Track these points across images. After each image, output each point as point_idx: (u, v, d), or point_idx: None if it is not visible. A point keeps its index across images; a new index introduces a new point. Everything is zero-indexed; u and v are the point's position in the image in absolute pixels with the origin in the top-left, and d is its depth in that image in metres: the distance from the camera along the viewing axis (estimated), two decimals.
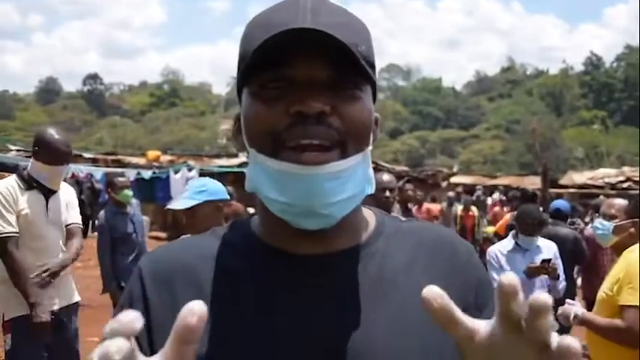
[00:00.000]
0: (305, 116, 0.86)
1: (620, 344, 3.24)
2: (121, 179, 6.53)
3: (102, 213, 6.48)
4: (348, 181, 0.90)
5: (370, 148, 0.95)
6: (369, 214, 1.06)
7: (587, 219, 11.21)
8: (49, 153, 3.94)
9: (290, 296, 0.94)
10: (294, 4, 0.91)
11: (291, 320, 0.92)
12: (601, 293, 3.45)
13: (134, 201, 6.75)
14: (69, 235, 4.30)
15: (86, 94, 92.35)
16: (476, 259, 1.06)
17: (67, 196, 4.30)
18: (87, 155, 20.36)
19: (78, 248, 4.29)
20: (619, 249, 3.56)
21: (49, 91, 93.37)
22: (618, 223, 3.55)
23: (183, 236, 1.09)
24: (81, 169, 14.80)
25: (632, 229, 3.52)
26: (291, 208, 0.89)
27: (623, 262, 3.40)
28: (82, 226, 4.43)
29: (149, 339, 0.93)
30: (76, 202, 4.41)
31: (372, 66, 0.93)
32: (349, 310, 0.93)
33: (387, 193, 4.82)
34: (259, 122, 0.89)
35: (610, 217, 3.62)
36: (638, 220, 3.51)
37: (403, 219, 1.13)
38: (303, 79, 0.87)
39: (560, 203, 7.07)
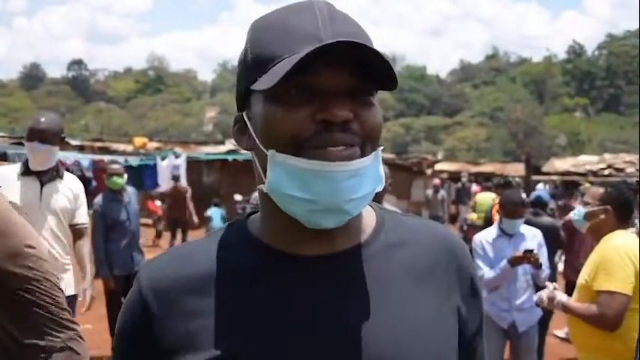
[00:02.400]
0: (331, 123, 0.90)
1: (597, 328, 3.37)
2: (113, 166, 6.58)
3: (98, 198, 6.57)
4: (366, 178, 0.93)
5: (381, 148, 0.98)
6: (368, 210, 1.07)
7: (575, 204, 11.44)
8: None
9: (297, 298, 0.95)
10: (309, 10, 0.93)
11: (300, 322, 0.94)
12: (580, 280, 3.58)
13: (130, 189, 6.78)
14: (78, 235, 4.34)
15: (71, 80, 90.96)
16: (470, 257, 1.11)
17: (76, 190, 4.28)
18: (74, 142, 20.27)
19: (87, 251, 4.39)
20: (596, 235, 3.67)
21: (32, 77, 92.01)
22: (590, 210, 3.66)
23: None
24: (67, 157, 14.76)
25: (603, 216, 3.61)
26: (314, 205, 0.91)
27: (599, 249, 3.53)
28: (87, 225, 4.45)
29: (155, 351, 0.97)
30: (84, 198, 4.38)
31: None
32: (354, 310, 0.95)
33: None
34: (282, 126, 0.91)
35: (585, 204, 3.74)
36: (608, 207, 3.62)
37: (401, 213, 1.16)
38: (328, 87, 0.90)
39: (540, 192, 7.19)
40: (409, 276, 1.01)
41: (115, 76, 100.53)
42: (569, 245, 6.75)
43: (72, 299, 4.24)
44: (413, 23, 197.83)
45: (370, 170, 0.94)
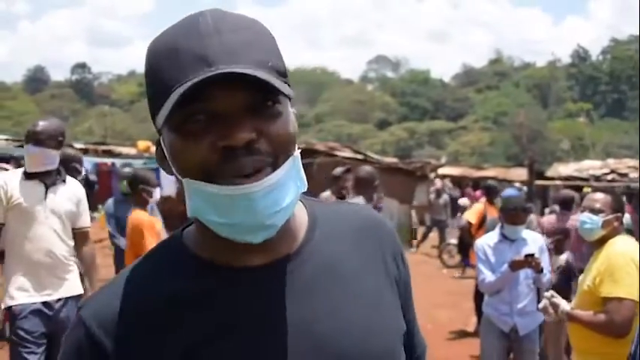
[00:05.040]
0: (233, 148, 0.87)
1: (606, 335, 3.36)
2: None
3: (109, 201, 6.93)
4: (285, 188, 0.91)
5: (298, 151, 0.96)
6: (300, 207, 1.06)
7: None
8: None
9: (244, 310, 0.95)
10: (194, 26, 0.90)
11: (251, 334, 0.94)
12: (583, 286, 3.57)
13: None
14: (82, 238, 4.34)
15: (74, 84, 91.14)
16: (395, 234, 1.16)
17: (79, 194, 4.32)
18: (77, 145, 20.29)
19: (93, 255, 4.45)
20: (597, 242, 3.63)
21: (36, 80, 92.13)
22: (606, 218, 3.58)
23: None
24: None
25: (616, 223, 3.59)
26: (235, 228, 0.90)
27: (604, 255, 3.50)
28: (89, 229, 4.47)
29: None
30: (86, 202, 4.39)
31: (285, 74, 0.94)
32: (303, 311, 0.97)
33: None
34: (189, 158, 0.90)
35: (597, 212, 3.62)
36: (620, 214, 3.61)
37: (329, 202, 1.18)
38: (225, 110, 0.88)
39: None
40: (349, 264, 1.05)
41: (118, 79, 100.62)
42: None
43: (78, 298, 4.29)
44: (416, 27, 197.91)
45: (288, 178, 0.93)
